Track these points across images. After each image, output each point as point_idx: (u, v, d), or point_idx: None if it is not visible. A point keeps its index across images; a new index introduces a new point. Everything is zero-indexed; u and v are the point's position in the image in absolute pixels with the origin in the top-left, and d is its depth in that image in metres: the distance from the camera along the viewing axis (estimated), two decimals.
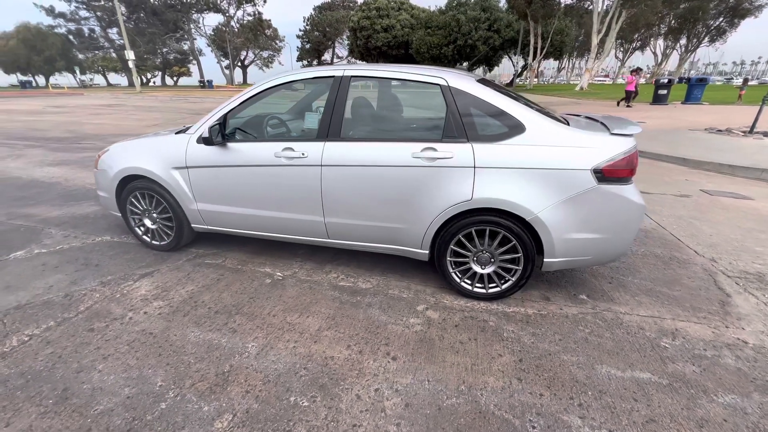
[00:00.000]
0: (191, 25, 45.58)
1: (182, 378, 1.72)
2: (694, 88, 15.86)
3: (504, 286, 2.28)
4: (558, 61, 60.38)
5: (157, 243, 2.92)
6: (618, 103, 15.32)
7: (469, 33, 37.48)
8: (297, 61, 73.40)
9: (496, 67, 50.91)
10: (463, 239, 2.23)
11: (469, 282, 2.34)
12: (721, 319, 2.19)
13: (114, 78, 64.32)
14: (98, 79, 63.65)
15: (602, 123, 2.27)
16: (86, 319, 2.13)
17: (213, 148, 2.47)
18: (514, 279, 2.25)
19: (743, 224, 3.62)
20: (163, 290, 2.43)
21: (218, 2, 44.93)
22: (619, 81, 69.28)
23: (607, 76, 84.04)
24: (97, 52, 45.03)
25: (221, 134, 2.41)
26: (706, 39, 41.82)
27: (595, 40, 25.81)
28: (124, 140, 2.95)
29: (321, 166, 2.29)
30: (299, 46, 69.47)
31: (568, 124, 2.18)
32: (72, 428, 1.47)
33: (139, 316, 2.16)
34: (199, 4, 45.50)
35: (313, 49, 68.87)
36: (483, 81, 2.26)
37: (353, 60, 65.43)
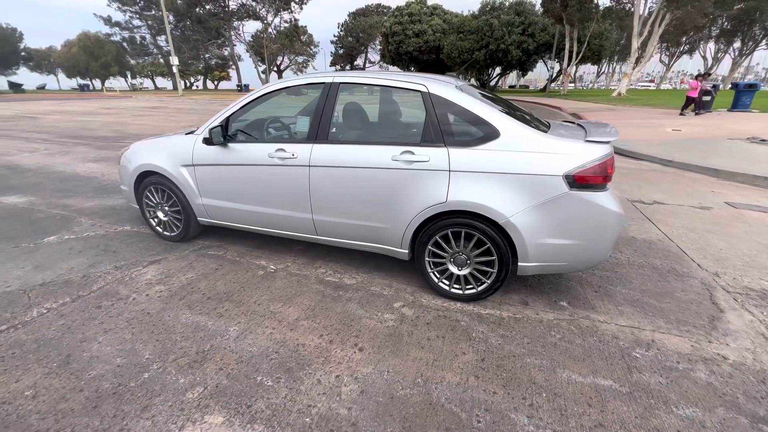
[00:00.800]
0: (232, 32, 47.93)
1: (167, 353, 1.91)
2: (743, 95, 14.75)
3: (480, 288, 2.32)
4: (597, 66, 58.10)
5: (168, 234, 3.19)
6: (682, 111, 13.83)
7: (502, 37, 36.88)
8: (330, 65, 75.17)
9: (530, 72, 49.77)
10: (440, 240, 2.30)
11: (447, 282, 2.40)
12: (705, 333, 2.12)
13: (161, 82, 68.70)
14: (147, 82, 68.23)
15: (585, 129, 2.28)
16: (96, 298, 2.39)
17: (215, 147, 2.69)
18: (489, 281, 2.29)
19: (762, 239, 3.41)
20: (166, 276, 2.67)
21: (257, 10, 46.97)
22: (665, 87, 65.46)
23: (652, 81, 79.73)
24: (147, 57, 48.42)
25: (223, 135, 2.62)
26: (764, 42, 38.77)
27: (635, 43, 24.63)
28: (144, 140, 3.25)
29: (309, 166, 2.44)
30: (333, 51, 71.22)
31: (548, 129, 2.20)
32: (67, 388, 1.68)
33: (141, 297, 2.40)
34: (240, 12, 47.79)
35: (346, 54, 70.33)
36: (463, 88, 2.33)
37: (384, 65, 66.19)
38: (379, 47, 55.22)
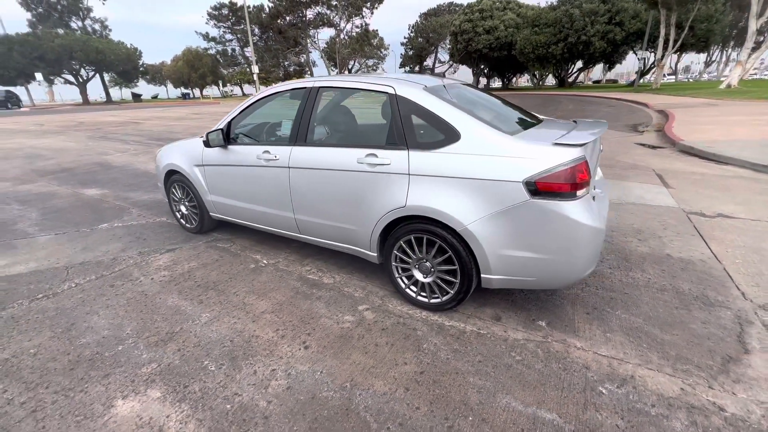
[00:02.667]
0: (308, 40, 51.16)
1: (144, 330, 2.17)
2: None
3: (444, 298, 2.21)
4: (705, 54, 50.00)
5: (189, 226, 3.58)
6: None
7: (584, 28, 33.71)
8: (399, 67, 76.05)
9: (618, 65, 44.67)
10: (404, 246, 2.24)
11: (414, 289, 2.33)
12: (708, 377, 1.75)
13: (248, 89, 76.16)
14: (237, 90, 76.13)
15: (573, 129, 2.03)
16: (113, 277, 2.79)
17: (218, 149, 2.95)
18: (452, 292, 2.16)
19: None
20: (174, 263, 3.00)
21: (331, 18, 49.47)
22: None
23: None
24: (235, 67, 54.07)
25: (224, 138, 2.87)
26: None
27: (753, 25, 20.65)
28: (174, 142, 3.69)
29: (289, 168, 2.55)
30: (403, 53, 71.92)
31: (523, 130, 2.01)
32: (60, 351, 2.01)
33: (147, 280, 2.75)
34: (316, 21, 50.81)
35: (415, 56, 70.51)
36: (435, 89, 2.23)
37: (455, 65, 64.85)
38: (448, 47, 54.30)
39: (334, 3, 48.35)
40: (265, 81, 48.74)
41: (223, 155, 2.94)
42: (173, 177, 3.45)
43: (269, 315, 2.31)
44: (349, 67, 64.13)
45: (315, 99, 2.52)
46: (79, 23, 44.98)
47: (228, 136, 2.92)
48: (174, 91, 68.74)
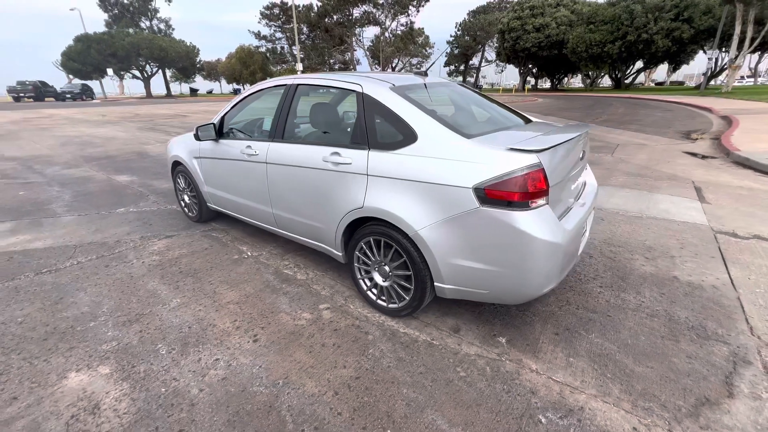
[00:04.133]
0: (353, 38, 51.94)
1: (117, 310, 2.32)
2: None
3: (400, 304, 2.14)
4: None
5: (191, 215, 3.77)
6: None
7: (645, 26, 31.17)
8: (444, 66, 74.96)
9: (685, 66, 40.79)
10: (365, 247, 2.20)
11: (375, 292, 2.28)
12: (672, 419, 1.55)
13: None
14: None
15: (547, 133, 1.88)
16: (111, 258, 3.01)
17: (211, 142, 3.07)
18: (408, 299, 2.09)
19: None
20: (167, 249, 3.18)
21: (377, 16, 49.81)
22: None
23: None
24: (283, 65, 56.13)
25: (216, 132, 2.98)
26: None
27: None
28: (181, 135, 3.90)
29: (266, 163, 2.60)
30: (448, 52, 70.76)
31: (510, 129, 1.89)
32: (41, 321, 2.20)
33: (138, 263, 2.93)
34: (362, 20, 51.42)
35: (461, 54, 69.07)
36: (402, 88, 2.15)
37: (501, 63, 62.73)
38: (495, 45, 52.64)
39: (380, 1, 48.63)
40: None
41: (215, 148, 3.06)
42: (178, 168, 3.65)
43: (233, 306, 2.37)
44: (393, 65, 64.22)
45: (293, 96, 2.54)
46: (147, 23, 49.01)
47: (221, 130, 3.04)
48: (227, 87, 72.85)
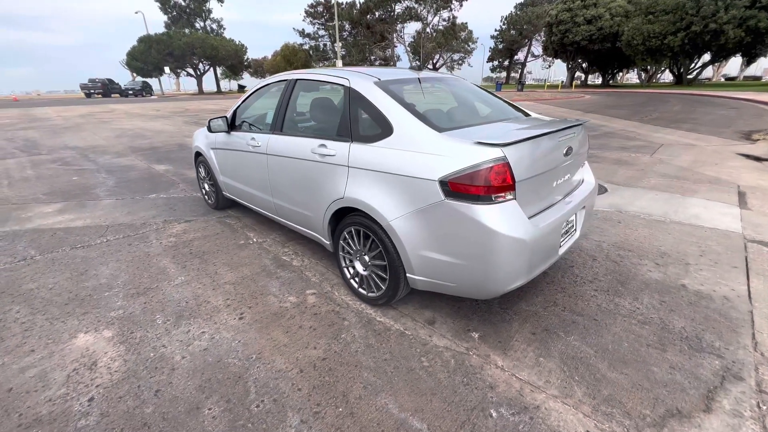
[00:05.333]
0: (394, 35, 51.93)
1: (130, 284, 2.58)
2: None
3: (377, 294, 2.20)
4: None
5: (210, 202, 4.05)
6: None
7: (714, 15, 28.28)
8: (487, 61, 72.85)
9: (762, 58, 36.51)
10: (347, 236, 2.28)
11: (357, 281, 2.36)
12: (632, 426, 1.48)
13: None
14: None
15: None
16: (135, 238, 3.33)
17: (225, 134, 3.29)
18: (384, 288, 2.14)
19: None
20: (183, 232, 3.46)
21: (419, 11, 49.41)
22: None
23: None
24: (325, 62, 57.40)
25: (227, 124, 3.19)
26: None
27: None
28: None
29: (267, 154, 2.75)
30: (492, 47, 68.60)
31: (519, 120, 1.88)
32: (66, 289, 2.51)
33: (156, 243, 3.22)
34: (404, 15, 51.25)
35: (505, 49, 66.74)
36: (387, 83, 2.18)
37: (548, 58, 59.79)
38: (542, 39, 50.30)
39: None
40: None
41: (228, 140, 3.28)
42: (199, 158, 3.94)
43: (229, 286, 2.55)
44: (434, 61, 63.40)
45: (291, 91, 2.66)
46: (202, 23, 52.16)
47: (233, 123, 3.24)
48: None
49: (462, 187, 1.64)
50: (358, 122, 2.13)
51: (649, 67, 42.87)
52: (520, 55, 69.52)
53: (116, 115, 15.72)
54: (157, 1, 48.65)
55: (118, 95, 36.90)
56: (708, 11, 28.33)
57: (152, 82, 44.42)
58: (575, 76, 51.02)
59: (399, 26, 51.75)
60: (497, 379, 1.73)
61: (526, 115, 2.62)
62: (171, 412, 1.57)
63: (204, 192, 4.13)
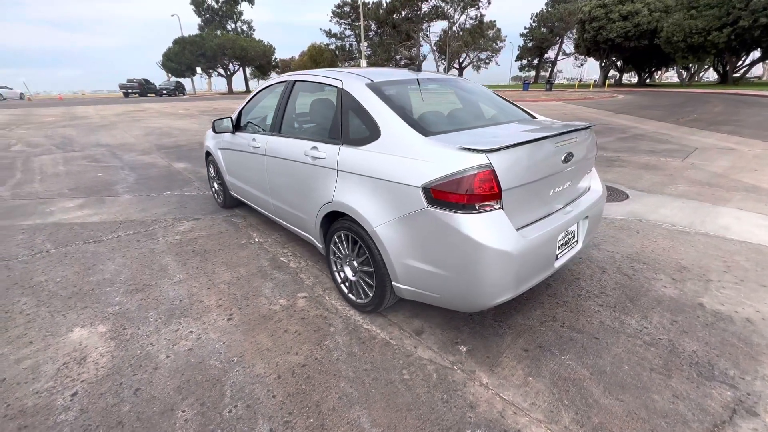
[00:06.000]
0: (420, 34, 51.58)
1: (130, 279, 2.66)
2: None
3: (365, 300, 2.15)
4: None
5: (219, 200, 4.13)
6: None
7: (765, 8, 26.26)
8: (516, 60, 71.04)
9: None
10: (337, 241, 2.24)
11: (347, 286, 2.31)
12: None
13: None
14: None
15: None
16: (143, 234, 3.43)
17: (229, 134, 3.33)
18: (371, 295, 2.09)
19: None
20: (190, 230, 3.53)
21: (446, 10, 48.82)
22: None
23: None
24: (351, 61, 57.82)
25: (233, 125, 3.23)
26: None
27: None
28: None
29: (266, 155, 2.76)
30: (521, 45, 66.84)
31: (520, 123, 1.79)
32: (73, 282, 2.61)
33: (162, 240, 3.30)
34: (430, 14, 50.80)
35: (535, 47, 64.85)
36: (379, 84, 2.12)
37: (580, 56, 57.60)
38: (574, 36, 48.51)
39: None
40: None
41: (233, 140, 3.32)
42: (209, 157, 4.02)
43: (224, 285, 2.57)
44: (460, 60, 62.49)
45: (290, 92, 2.65)
46: (233, 25, 53.78)
47: (239, 124, 3.28)
48: None
49: (445, 195, 1.56)
50: (349, 125, 2.08)
51: (690, 66, 40.41)
52: (551, 54, 67.36)
53: (149, 114, 16.45)
54: (192, 4, 50.55)
55: (153, 94, 38.65)
56: (759, 4, 26.33)
57: (185, 82, 46.26)
58: (609, 74, 48.85)
59: (425, 25, 51.33)
60: (479, 398, 1.64)
61: (532, 117, 2.49)
62: (146, 412, 1.59)
63: (213, 191, 4.21)
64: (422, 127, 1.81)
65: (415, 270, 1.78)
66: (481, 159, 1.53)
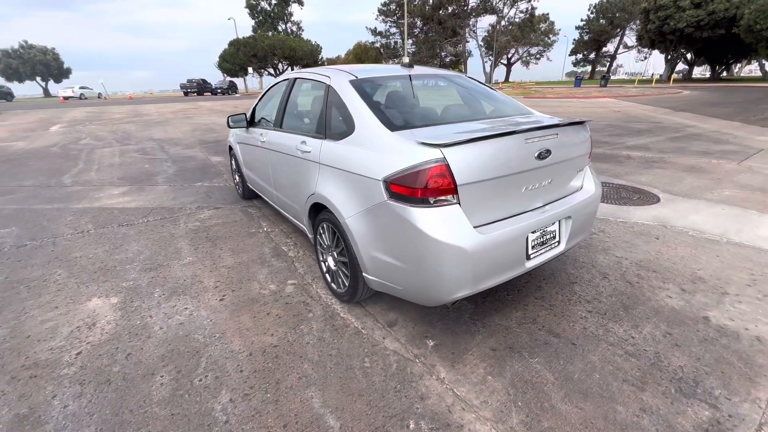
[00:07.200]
0: (466, 29, 50.38)
1: (148, 260, 2.95)
2: None
3: (343, 290, 2.22)
4: None
5: (239, 192, 4.41)
6: None
7: None
8: (570, 54, 67.00)
9: None
10: (321, 231, 2.34)
11: (330, 276, 2.40)
12: None
13: None
14: None
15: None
16: (169, 220, 3.78)
17: (243, 129, 3.56)
18: (347, 285, 2.16)
19: None
20: (209, 218, 3.83)
21: (494, 4, 47.25)
22: None
23: None
24: (395, 59, 57.93)
25: (246, 121, 3.44)
26: None
27: None
28: None
29: (269, 149, 2.92)
30: (576, 39, 62.95)
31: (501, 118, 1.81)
32: (100, 258, 2.96)
33: (183, 226, 3.61)
34: (478, 9, 49.44)
35: (592, 40, 60.73)
36: (359, 80, 2.16)
37: (643, 49, 53.02)
38: (637, 28, 44.80)
39: None
40: None
41: (247, 135, 3.54)
42: (231, 151, 4.31)
43: (224, 269, 2.78)
44: (508, 56, 60.12)
45: (290, 89, 2.78)
46: (283, 26, 56.11)
47: (253, 119, 3.49)
48: None
49: (401, 189, 1.59)
50: (332, 120, 2.16)
51: None
52: (610, 47, 62.77)
53: (200, 111, 17.72)
54: (246, 7, 53.45)
55: (209, 93, 41.49)
56: None
57: (239, 81, 49.07)
58: (676, 69, 44.52)
59: (472, 21, 50.03)
60: (431, 391, 1.65)
61: (529, 113, 2.41)
62: (131, 374, 1.79)
63: (235, 182, 4.50)
64: (392, 122, 1.84)
65: (380, 262, 1.82)
66: (435, 153, 1.53)
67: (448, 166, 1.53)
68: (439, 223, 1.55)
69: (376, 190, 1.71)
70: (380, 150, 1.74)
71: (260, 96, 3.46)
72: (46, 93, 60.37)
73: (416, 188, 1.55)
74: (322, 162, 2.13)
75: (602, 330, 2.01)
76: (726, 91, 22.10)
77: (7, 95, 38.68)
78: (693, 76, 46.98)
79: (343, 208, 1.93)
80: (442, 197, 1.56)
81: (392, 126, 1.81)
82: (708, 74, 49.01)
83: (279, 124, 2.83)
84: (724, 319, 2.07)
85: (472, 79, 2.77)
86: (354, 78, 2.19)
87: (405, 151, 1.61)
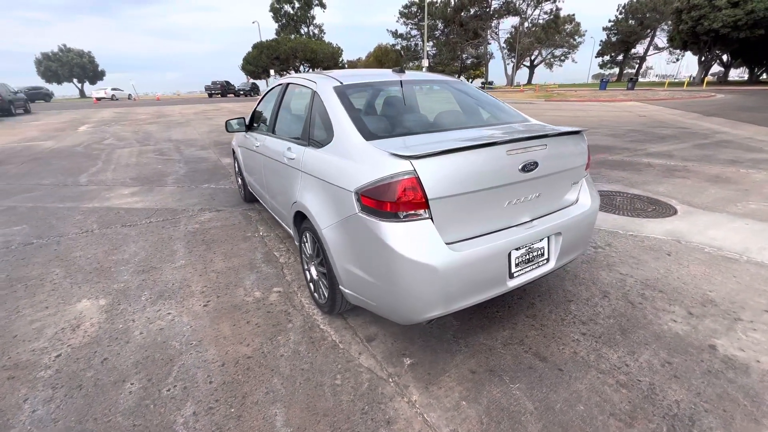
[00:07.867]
0: (488, 31, 49.75)
1: (143, 261, 2.99)
2: None
3: (323, 301, 2.16)
4: None
5: (242, 194, 4.44)
6: None
7: None
8: (596, 56, 65.01)
9: None
10: (304, 240, 2.29)
11: (313, 286, 2.35)
12: None
13: None
14: None
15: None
16: (170, 222, 3.83)
17: (242, 133, 3.57)
18: (326, 296, 2.10)
19: None
20: (209, 220, 3.86)
21: (518, 5, 46.44)
22: None
23: None
24: (415, 61, 57.83)
25: (245, 126, 3.45)
26: None
27: None
28: None
29: (262, 155, 2.91)
30: (603, 40, 61.03)
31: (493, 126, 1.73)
32: (97, 259, 3.01)
33: (182, 228, 3.66)
34: (500, 11, 48.75)
35: (620, 42, 58.75)
36: (343, 87, 2.10)
37: (675, 50, 50.84)
38: (669, 28, 43.08)
39: None
40: (442, 73, 50.23)
41: (245, 139, 3.55)
42: (234, 154, 4.34)
43: (213, 274, 2.77)
44: (531, 57, 58.94)
45: (282, 94, 2.76)
46: (306, 29, 57.02)
47: (252, 124, 3.50)
48: None
49: (371, 202, 1.52)
50: (314, 127, 2.11)
51: None
52: (639, 49, 60.56)
53: (221, 113, 18.16)
54: (270, 11, 54.63)
55: (232, 95, 42.59)
56: None
57: (261, 83, 50.16)
58: (711, 71, 42.48)
59: (494, 22, 49.34)
60: (400, 415, 1.56)
61: (526, 120, 2.29)
62: (103, 380, 1.79)
63: (238, 185, 4.54)
64: (369, 130, 1.77)
65: (353, 275, 1.75)
66: (404, 165, 1.45)
67: (418, 178, 1.45)
68: (409, 239, 1.46)
69: (348, 201, 1.65)
70: (354, 159, 1.67)
71: (258, 100, 3.46)
72: (82, 94, 63.55)
73: (385, 201, 1.47)
74: (303, 170, 2.08)
75: (594, 355, 1.87)
76: (764, 94, 20.85)
77: (46, 96, 40.86)
78: (729, 78, 44.68)
79: (319, 218, 1.88)
80: (413, 212, 1.47)
81: (369, 135, 1.74)
82: (746, 77, 46.52)
83: (272, 129, 2.82)
84: (733, 349, 1.89)
85: (468, 84, 2.67)
86: (339, 84, 2.14)
87: (375, 163, 1.54)
